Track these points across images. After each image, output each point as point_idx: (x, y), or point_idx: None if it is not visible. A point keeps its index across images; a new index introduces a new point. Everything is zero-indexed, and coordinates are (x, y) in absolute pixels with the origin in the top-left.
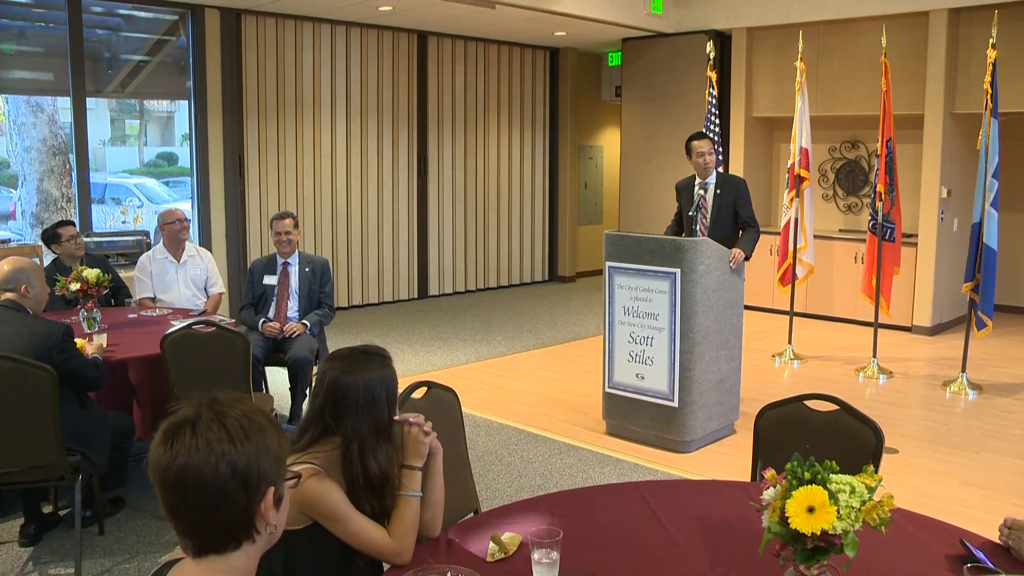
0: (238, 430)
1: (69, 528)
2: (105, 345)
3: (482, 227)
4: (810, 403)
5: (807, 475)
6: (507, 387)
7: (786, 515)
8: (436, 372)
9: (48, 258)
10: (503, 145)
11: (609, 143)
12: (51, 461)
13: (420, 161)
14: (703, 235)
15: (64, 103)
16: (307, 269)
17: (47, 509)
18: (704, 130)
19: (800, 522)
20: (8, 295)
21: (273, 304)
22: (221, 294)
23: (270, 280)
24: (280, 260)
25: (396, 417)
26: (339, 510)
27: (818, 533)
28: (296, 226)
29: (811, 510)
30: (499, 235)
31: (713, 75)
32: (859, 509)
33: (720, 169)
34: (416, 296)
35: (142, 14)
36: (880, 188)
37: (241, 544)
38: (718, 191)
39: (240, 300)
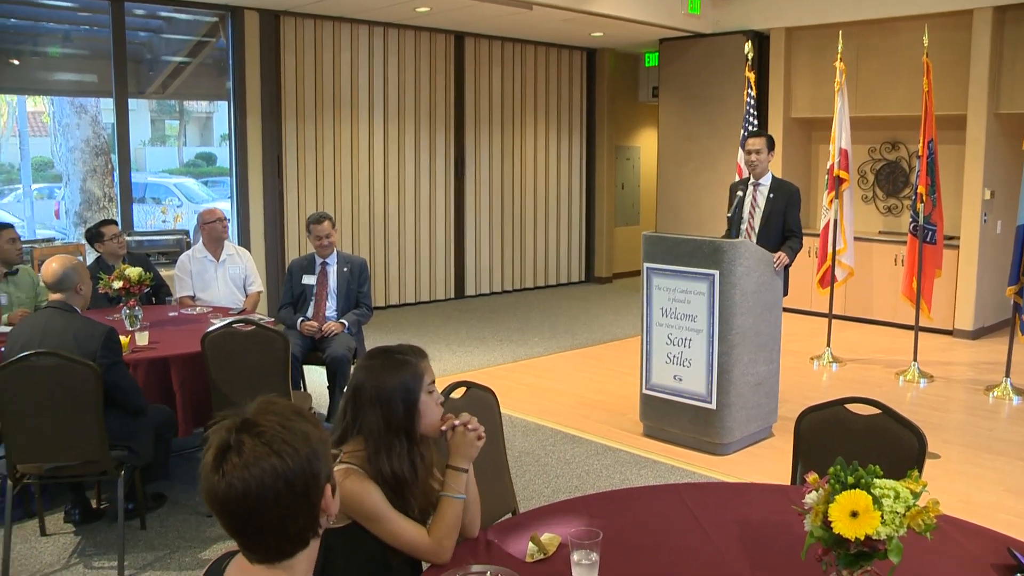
0: (281, 444)
1: (112, 522)
2: (147, 342)
3: (519, 228)
4: (851, 407)
5: (850, 479)
6: (544, 388)
7: (829, 519)
8: (473, 372)
9: (91, 257)
10: (540, 146)
11: (646, 144)
12: (96, 456)
13: (457, 162)
14: (750, 238)
15: (107, 104)
16: (345, 269)
17: (93, 502)
18: (743, 131)
19: (843, 527)
20: (60, 295)
21: (312, 303)
22: (259, 293)
23: (309, 280)
24: (319, 260)
25: (444, 418)
26: (377, 509)
27: (862, 538)
28: (334, 226)
29: (855, 515)
30: (536, 236)
31: (751, 76)
32: (904, 514)
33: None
34: (453, 296)
35: (183, 16)
36: (921, 190)
37: (308, 543)
38: (771, 195)
39: (279, 299)
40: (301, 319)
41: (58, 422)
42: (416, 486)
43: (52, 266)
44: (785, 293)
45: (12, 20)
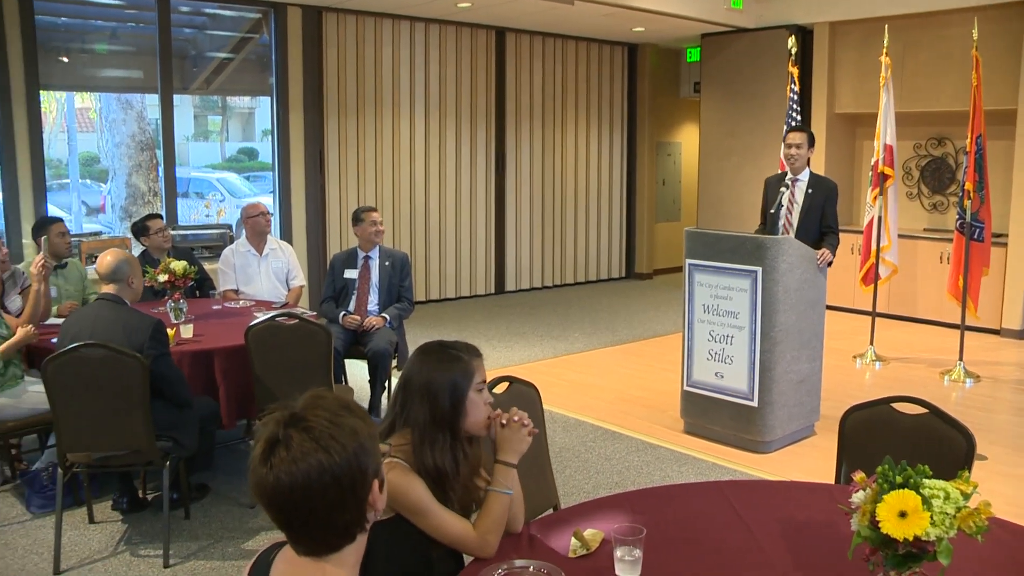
0: (328, 439)
1: (157, 511)
2: (192, 335)
3: (559, 223)
4: (897, 406)
5: (899, 479)
6: (585, 384)
7: (877, 519)
8: (513, 368)
9: (136, 250)
10: (581, 141)
11: (687, 140)
12: (142, 446)
13: (498, 157)
14: (787, 233)
15: (152, 100)
16: (387, 263)
17: (139, 493)
18: (785, 126)
19: (892, 527)
20: (111, 287)
21: (354, 298)
22: (302, 287)
23: (351, 274)
24: (361, 254)
25: (492, 414)
26: (421, 503)
27: (910, 539)
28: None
29: (903, 515)
30: (576, 231)
31: (795, 71)
32: (954, 516)
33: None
34: (493, 292)
35: (227, 12)
36: (969, 186)
37: (356, 537)
38: (809, 190)
39: (320, 293)
40: (343, 313)
41: (106, 412)
42: (457, 481)
43: (107, 259)
44: None
45: (62, 19)
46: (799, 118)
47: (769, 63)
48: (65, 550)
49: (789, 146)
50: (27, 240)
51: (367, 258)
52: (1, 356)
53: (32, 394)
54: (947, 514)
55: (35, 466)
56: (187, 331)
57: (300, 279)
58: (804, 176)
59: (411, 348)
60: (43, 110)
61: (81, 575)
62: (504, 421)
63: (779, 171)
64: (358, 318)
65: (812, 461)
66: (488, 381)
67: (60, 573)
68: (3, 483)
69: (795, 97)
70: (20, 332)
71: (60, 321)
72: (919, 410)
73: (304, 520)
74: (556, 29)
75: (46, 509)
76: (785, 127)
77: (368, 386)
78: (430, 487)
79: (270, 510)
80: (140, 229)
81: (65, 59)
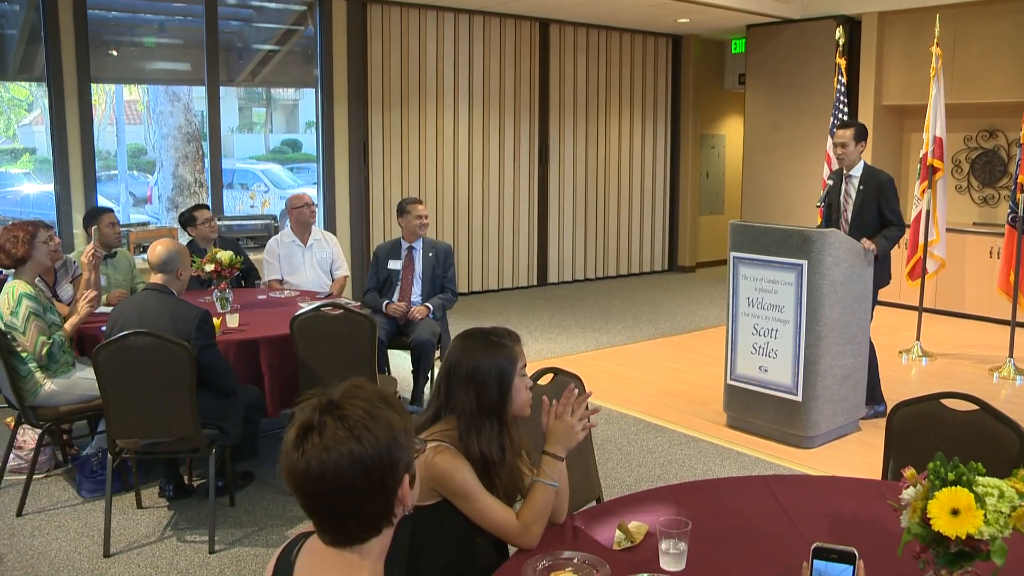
0: (362, 430)
1: (202, 498)
2: (238, 324)
3: (602, 215)
4: (947, 402)
5: (951, 476)
6: (626, 376)
7: (928, 516)
8: (555, 359)
9: (183, 240)
10: (624, 133)
11: (732, 132)
12: (189, 434)
13: (541, 149)
14: (844, 229)
15: (198, 92)
16: (431, 254)
17: (185, 479)
18: (832, 119)
19: (943, 524)
20: (160, 277)
21: (398, 288)
22: (346, 277)
23: (395, 265)
24: (405, 245)
25: (548, 405)
26: (467, 487)
27: (963, 537)
28: None
29: (955, 512)
30: (619, 224)
31: (842, 62)
32: (1009, 515)
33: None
34: (535, 283)
35: (272, 5)
36: (1022, 179)
37: (381, 530)
38: (861, 186)
39: (364, 284)
40: (387, 302)
41: (155, 400)
42: (503, 468)
43: (158, 248)
44: (886, 282)
45: (112, 13)
46: (847, 110)
47: (816, 54)
48: (114, 534)
49: (836, 144)
50: (77, 230)
51: (411, 249)
52: (69, 334)
53: (82, 380)
54: (1001, 513)
55: (85, 451)
56: (233, 320)
57: (344, 269)
58: (857, 171)
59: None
60: (92, 103)
61: (130, 558)
62: (556, 414)
63: (824, 165)
64: (403, 305)
65: (857, 457)
66: (532, 373)
67: (110, 556)
68: (55, 467)
69: (842, 89)
70: (83, 305)
71: (109, 310)
72: (969, 407)
73: (332, 509)
74: (600, 20)
75: (96, 493)
76: (832, 120)
77: (411, 376)
78: (478, 476)
79: (299, 496)
80: (187, 219)
81: (115, 52)
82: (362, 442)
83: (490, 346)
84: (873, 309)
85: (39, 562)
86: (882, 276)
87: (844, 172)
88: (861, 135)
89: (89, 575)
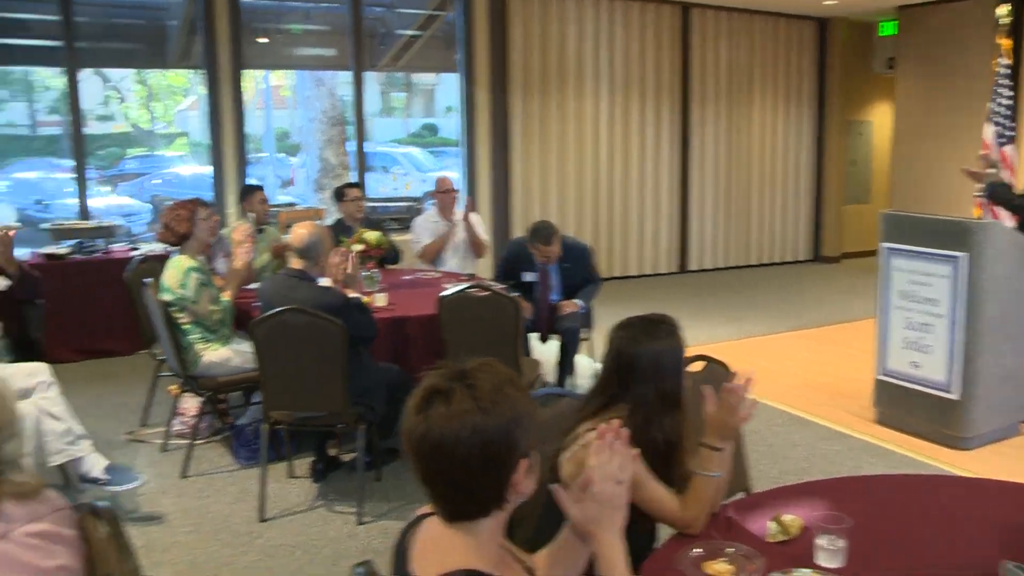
0: (488, 403)
1: (350, 471)
2: (387, 303)
3: (744, 202)
4: None
5: None
6: (770, 367)
7: None
8: (697, 347)
9: (331, 219)
10: (767, 119)
11: (880, 118)
12: (339, 408)
13: (682, 135)
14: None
15: (343, 77)
16: (567, 264)
17: (332, 451)
18: (992, 104)
19: None
20: (300, 262)
21: (535, 298)
22: (487, 244)
23: (530, 277)
24: (537, 263)
25: (708, 395)
26: (641, 475)
27: None
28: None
29: None
30: (761, 211)
31: (1005, 43)
32: None
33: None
34: (676, 270)
35: None
36: None
37: (491, 512)
38: None
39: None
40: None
41: (308, 375)
42: (683, 452)
43: (301, 231)
44: None
45: (262, 1)
46: (1012, 94)
47: (975, 35)
48: (268, 500)
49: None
50: (230, 209)
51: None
52: (234, 291)
53: (237, 354)
54: None
55: (239, 420)
56: (381, 300)
57: (487, 238)
58: None
59: (596, 325)
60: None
61: (283, 524)
62: (713, 405)
63: (982, 152)
64: (530, 312)
65: (1018, 462)
66: None
67: (265, 520)
68: (215, 434)
69: (1007, 72)
70: (239, 259)
71: (257, 286)
72: None
73: (443, 479)
74: (743, 4)
75: (251, 461)
76: (991, 107)
77: (553, 362)
78: (657, 463)
79: (415, 461)
80: (339, 194)
81: (264, 40)
82: (487, 414)
83: (664, 334)
84: None
85: (202, 521)
86: None
87: None
88: None
89: (247, 537)
